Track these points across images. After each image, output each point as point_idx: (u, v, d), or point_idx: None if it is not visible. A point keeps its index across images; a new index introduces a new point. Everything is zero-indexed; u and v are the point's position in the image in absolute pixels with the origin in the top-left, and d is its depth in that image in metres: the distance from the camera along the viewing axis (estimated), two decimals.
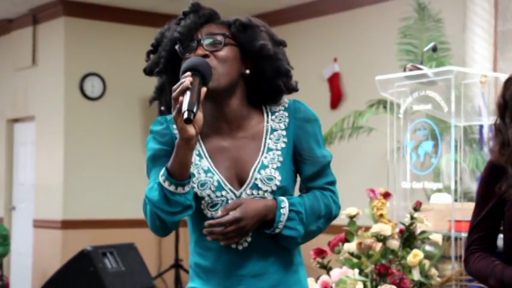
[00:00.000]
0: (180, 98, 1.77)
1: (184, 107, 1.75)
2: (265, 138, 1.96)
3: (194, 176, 1.92)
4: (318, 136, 1.99)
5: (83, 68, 7.77)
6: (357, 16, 7.22)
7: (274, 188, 1.92)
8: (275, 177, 1.92)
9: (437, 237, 3.76)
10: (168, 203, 1.84)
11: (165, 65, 1.97)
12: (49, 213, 7.80)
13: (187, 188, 1.85)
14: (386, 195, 3.87)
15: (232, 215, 1.86)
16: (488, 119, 4.23)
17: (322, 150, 2.00)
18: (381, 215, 3.80)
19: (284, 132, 1.97)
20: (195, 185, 1.91)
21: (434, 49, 4.67)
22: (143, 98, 8.02)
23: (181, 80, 1.80)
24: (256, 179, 1.92)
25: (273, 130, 1.97)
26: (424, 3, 6.08)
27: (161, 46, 1.98)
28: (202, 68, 1.85)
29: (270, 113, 2.00)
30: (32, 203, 8.16)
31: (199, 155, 1.95)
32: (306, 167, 1.97)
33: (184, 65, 1.87)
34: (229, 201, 1.91)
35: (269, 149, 1.95)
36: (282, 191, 1.93)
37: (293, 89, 2.01)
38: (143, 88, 7.97)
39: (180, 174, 1.83)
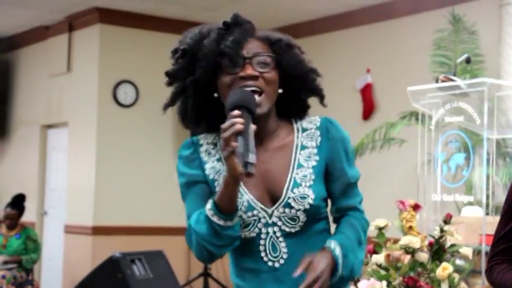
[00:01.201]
0: (233, 143, 1.73)
1: (242, 157, 1.72)
2: (296, 154, 1.95)
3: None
4: (349, 155, 1.99)
5: (117, 75, 7.84)
6: (390, 27, 7.18)
7: (307, 206, 1.90)
8: (308, 196, 1.90)
9: (467, 251, 3.70)
10: (217, 237, 1.84)
11: (202, 74, 1.91)
12: (80, 219, 7.85)
13: (235, 221, 1.85)
14: (416, 207, 3.82)
15: (319, 281, 1.80)
16: None
17: (352, 170, 2.00)
18: (410, 227, 3.75)
19: (315, 151, 1.95)
20: None
21: (467, 61, 4.62)
22: (175, 106, 8.05)
23: (232, 121, 1.75)
24: (289, 197, 1.90)
25: (304, 147, 1.96)
26: (459, 15, 6.03)
27: (200, 54, 1.91)
28: (251, 105, 1.82)
29: (300, 129, 1.99)
30: (64, 209, 8.23)
31: None
32: (336, 186, 1.97)
33: (233, 100, 1.82)
34: (262, 220, 1.89)
35: (300, 165, 1.93)
36: (314, 209, 1.92)
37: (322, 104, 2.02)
38: None
39: (229, 208, 1.83)
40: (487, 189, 4.05)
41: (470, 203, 4.34)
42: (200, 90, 1.93)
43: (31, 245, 7.28)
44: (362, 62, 7.33)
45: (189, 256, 8.03)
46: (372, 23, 7.31)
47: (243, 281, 1.95)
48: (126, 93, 7.88)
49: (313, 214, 1.92)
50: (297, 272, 1.81)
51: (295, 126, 1.99)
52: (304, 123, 2.00)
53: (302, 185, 1.90)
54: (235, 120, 1.75)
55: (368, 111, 7.16)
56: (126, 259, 5.84)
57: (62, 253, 8.17)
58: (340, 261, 1.87)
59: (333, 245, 1.89)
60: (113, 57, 7.84)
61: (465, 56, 4.58)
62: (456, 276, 3.62)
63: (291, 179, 1.91)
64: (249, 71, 1.88)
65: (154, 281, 5.99)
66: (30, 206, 8.57)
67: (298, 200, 1.89)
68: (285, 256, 1.91)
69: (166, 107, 2.01)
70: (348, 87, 7.30)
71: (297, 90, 1.97)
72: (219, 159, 1.94)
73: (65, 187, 8.23)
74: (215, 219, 1.82)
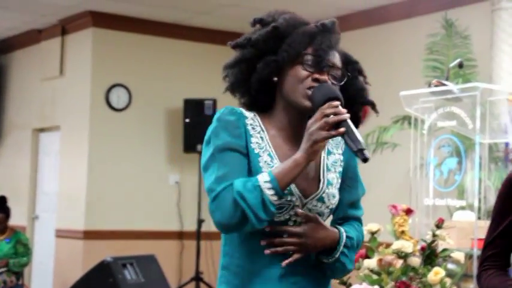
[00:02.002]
0: (340, 129, 1.80)
1: (363, 143, 1.80)
2: (324, 158, 2.00)
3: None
4: (358, 168, 2.09)
5: (109, 78, 7.82)
6: (383, 31, 7.18)
7: (334, 206, 1.98)
8: (336, 197, 1.98)
9: (459, 256, 3.69)
10: (264, 210, 1.84)
11: (284, 59, 1.94)
12: (71, 223, 7.82)
13: (282, 200, 1.88)
14: (409, 211, 3.81)
15: (300, 229, 1.89)
16: None
17: (361, 184, 2.09)
18: (403, 232, 3.74)
19: (341, 157, 2.03)
20: None
21: (460, 65, 4.62)
22: (168, 110, 8.05)
23: (335, 109, 1.82)
24: (324, 192, 1.96)
25: (330, 152, 2.02)
26: (452, 19, 6.04)
27: (288, 39, 1.94)
28: (342, 103, 1.88)
29: None
30: (55, 213, 8.19)
31: (270, 155, 1.94)
32: (346, 194, 2.03)
33: (331, 91, 1.88)
34: (295, 208, 1.92)
35: (328, 169, 2.00)
36: (335, 209, 2.01)
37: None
38: (168, 99, 8.05)
39: (285, 187, 1.86)
40: (479, 193, 4.05)
41: (462, 207, 4.34)
42: (272, 70, 1.96)
43: (21, 249, 7.23)
44: None
45: (181, 260, 8.01)
46: (365, 27, 7.31)
47: (251, 263, 1.93)
48: (118, 97, 7.86)
49: (331, 214, 2.01)
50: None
51: None
52: None
53: (333, 185, 1.98)
54: (341, 110, 1.83)
55: (363, 114, 7.14)
56: (117, 263, 5.82)
57: (53, 257, 8.13)
58: (340, 248, 1.94)
59: (343, 231, 1.97)
60: (105, 61, 7.82)
61: (458, 60, 4.58)
62: (448, 280, 3.61)
63: (325, 178, 1.97)
64: (325, 77, 1.93)
65: (145, 286, 5.97)
66: (21, 210, 8.55)
67: (330, 197, 1.97)
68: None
69: (227, 67, 2.04)
70: None
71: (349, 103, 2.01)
72: (262, 138, 1.95)
73: (57, 191, 8.19)
74: (270, 192, 1.83)
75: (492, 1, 6.05)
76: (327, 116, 1.82)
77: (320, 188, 1.96)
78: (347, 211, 2.04)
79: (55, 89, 8.29)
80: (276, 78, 1.96)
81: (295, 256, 1.89)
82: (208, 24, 8.01)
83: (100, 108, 7.77)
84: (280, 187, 1.84)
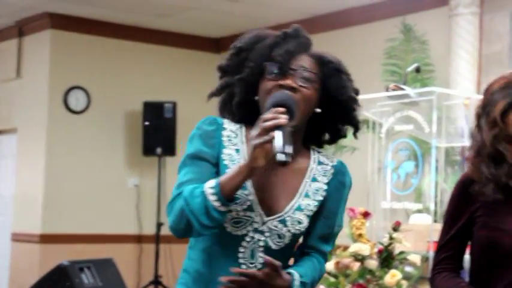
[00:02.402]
0: (272, 133, 1.77)
1: (280, 148, 1.76)
2: (306, 183, 1.98)
3: None
4: (344, 204, 2.06)
5: (68, 81, 7.73)
6: (343, 35, 7.22)
7: (297, 232, 1.95)
8: (303, 223, 1.95)
9: (415, 258, 3.73)
10: (207, 216, 1.83)
11: (248, 75, 1.96)
12: (28, 227, 7.71)
13: (228, 208, 1.86)
14: (366, 214, 3.84)
15: (261, 275, 1.84)
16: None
17: (341, 220, 2.05)
18: (360, 235, 3.77)
19: (325, 187, 2.00)
20: None
21: (417, 70, 4.67)
22: (127, 112, 7.99)
23: (274, 115, 1.80)
24: (288, 216, 1.93)
25: (315, 179, 1.99)
26: (410, 25, 6.10)
27: (251, 55, 1.97)
28: (293, 109, 1.86)
29: (317, 161, 2.02)
30: (11, 216, 8.07)
31: None
32: (319, 226, 2.01)
33: (277, 98, 1.87)
34: (253, 224, 1.91)
35: (306, 195, 1.97)
36: (299, 237, 1.98)
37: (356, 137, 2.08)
38: (127, 102, 7.99)
39: (230, 195, 1.84)
40: (436, 196, 4.09)
41: (419, 211, 4.38)
42: (245, 89, 1.97)
43: None
44: None
45: (139, 264, 7.95)
46: (325, 31, 7.34)
47: (208, 270, 1.94)
48: (77, 99, 7.77)
49: (295, 241, 1.97)
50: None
51: (312, 156, 2.03)
52: (321, 157, 2.04)
53: (303, 211, 1.95)
54: (280, 115, 1.80)
55: None
56: (74, 267, 5.74)
57: (9, 261, 8.00)
58: None
59: (295, 276, 1.93)
60: (64, 63, 7.73)
61: (415, 65, 4.64)
62: (405, 283, 3.64)
63: (296, 202, 1.95)
64: (289, 81, 1.91)
65: None
66: None
67: (294, 222, 1.94)
68: (258, 266, 1.92)
69: (211, 95, 2.04)
70: None
71: (334, 117, 2.01)
72: (237, 150, 1.96)
73: (13, 194, 8.07)
74: (212, 198, 1.83)
75: (450, 7, 6.14)
76: (265, 121, 1.80)
77: (284, 210, 1.94)
78: (315, 243, 2.02)
79: (12, 91, 8.17)
80: (257, 97, 1.96)
81: None
82: (168, 27, 7.97)
83: (58, 111, 7.67)
84: (224, 193, 1.83)
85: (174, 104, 7.70)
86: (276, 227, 1.92)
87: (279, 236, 1.93)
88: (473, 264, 2.09)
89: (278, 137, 1.77)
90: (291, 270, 1.94)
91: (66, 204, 7.60)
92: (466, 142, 4.34)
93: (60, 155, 7.63)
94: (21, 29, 8.00)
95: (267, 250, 1.93)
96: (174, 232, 1.92)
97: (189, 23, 7.58)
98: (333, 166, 2.02)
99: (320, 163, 2.02)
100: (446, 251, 2.12)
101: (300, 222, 1.94)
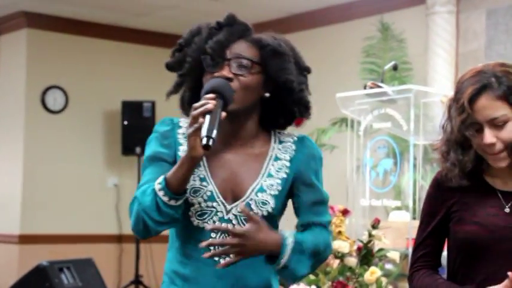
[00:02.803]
0: (201, 119, 1.78)
1: (204, 132, 1.77)
2: (268, 164, 1.97)
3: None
4: (319, 173, 2.03)
5: (45, 80, 7.68)
6: (321, 34, 7.25)
7: (265, 213, 1.93)
8: (269, 203, 1.93)
9: (394, 255, 3.75)
10: (158, 212, 1.84)
11: (188, 70, 1.97)
12: (6, 227, 7.65)
13: (180, 202, 1.85)
14: (345, 212, 3.86)
15: (241, 230, 1.83)
16: None
17: (322, 187, 2.03)
18: (340, 232, 3.78)
19: (288, 164, 1.99)
20: (188, 191, 1.91)
21: (395, 68, 4.70)
22: (106, 112, 7.96)
23: (204, 101, 1.81)
24: (251, 199, 1.93)
25: (277, 158, 1.99)
26: (388, 23, 6.14)
27: (189, 50, 1.97)
28: (226, 93, 1.86)
29: (278, 141, 2.02)
30: None
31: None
32: (306, 195, 1.99)
33: (208, 85, 1.88)
34: (218, 214, 1.91)
35: (269, 175, 1.96)
36: (270, 218, 1.94)
37: (307, 117, 2.05)
38: (106, 102, 7.95)
39: (177, 188, 1.84)
40: (414, 194, 4.12)
41: (398, 208, 4.41)
42: (191, 85, 1.98)
43: None
44: None
45: (120, 264, 7.92)
46: (303, 30, 7.37)
47: (184, 268, 1.94)
48: (55, 99, 7.73)
49: (267, 223, 1.91)
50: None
51: (273, 138, 2.03)
52: (282, 136, 2.04)
53: (266, 192, 1.94)
54: (208, 101, 1.81)
55: (300, 118, 7.19)
56: (53, 267, 5.71)
57: None
58: (286, 252, 1.88)
59: (288, 236, 1.90)
60: (41, 63, 7.68)
61: (392, 63, 4.66)
62: (384, 280, 3.66)
63: (257, 184, 1.94)
64: (224, 72, 1.91)
65: None
66: None
67: (259, 204, 1.93)
68: (231, 255, 1.90)
69: (169, 94, 2.04)
70: None
71: (283, 99, 1.99)
72: None
73: None
74: (161, 194, 1.83)
75: (426, 5, 6.18)
76: (195, 109, 1.82)
77: (246, 194, 1.93)
78: (308, 218, 1.99)
79: None
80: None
81: (234, 258, 1.85)
82: (146, 26, 7.95)
83: (35, 111, 7.62)
84: (171, 188, 1.83)
85: (153, 103, 7.68)
86: (241, 212, 1.89)
87: (247, 221, 1.89)
88: (451, 260, 2.11)
89: (206, 122, 1.78)
90: (281, 231, 1.92)
91: (45, 205, 7.56)
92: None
93: (38, 155, 7.58)
94: None
95: None
96: (135, 234, 1.93)
97: (167, 22, 7.56)
98: (294, 142, 2.02)
99: (281, 142, 2.02)
100: (424, 249, 2.13)
101: (264, 203, 1.93)
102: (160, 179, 1.85)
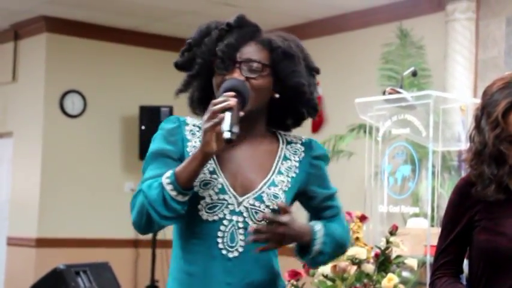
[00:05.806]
0: (221, 115, 1.79)
1: (227, 126, 1.77)
2: (278, 162, 1.99)
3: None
4: (327, 174, 2.07)
5: (64, 84, 7.72)
6: (340, 40, 7.24)
7: (276, 207, 1.92)
8: (279, 198, 1.94)
9: (412, 262, 3.72)
10: (165, 206, 1.83)
11: (198, 71, 1.98)
12: (24, 231, 7.69)
13: (186, 198, 1.85)
14: (363, 218, 3.84)
15: (286, 218, 1.85)
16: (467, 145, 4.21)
17: (332, 185, 2.08)
18: (357, 238, 3.77)
19: (297, 164, 2.01)
20: (197, 184, 1.90)
21: (414, 74, 4.67)
22: (123, 116, 7.98)
23: (225, 98, 1.82)
24: (263, 192, 1.93)
25: (286, 158, 2.00)
26: (407, 29, 6.11)
27: (198, 50, 1.97)
28: (245, 94, 1.88)
29: (285, 142, 2.04)
30: (7, 220, 8.05)
31: None
32: (320, 189, 2.03)
33: (228, 83, 1.89)
34: (229, 206, 1.91)
35: (280, 172, 1.98)
36: (278, 213, 1.94)
37: (314, 118, 2.09)
38: (123, 106, 7.98)
39: (186, 183, 1.84)
40: (433, 201, 4.09)
41: (416, 215, 4.38)
42: (201, 85, 1.99)
43: None
44: None
45: (136, 268, 7.93)
46: (322, 36, 7.35)
47: (190, 265, 1.93)
48: (73, 103, 7.77)
49: None
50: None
51: (280, 138, 2.04)
52: (289, 137, 2.05)
53: (278, 187, 1.95)
54: (229, 98, 1.81)
55: (317, 124, 7.18)
56: (70, 271, 5.73)
57: (4, 266, 7.98)
58: (317, 242, 1.93)
59: (319, 226, 1.95)
60: (60, 67, 7.72)
61: (412, 69, 4.64)
62: (401, 287, 3.63)
63: (269, 179, 1.95)
64: (235, 74, 1.92)
65: None
66: None
67: (271, 197, 1.93)
68: (240, 249, 1.91)
69: (178, 92, 2.05)
70: None
71: (292, 101, 2.00)
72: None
73: (9, 198, 8.05)
74: (169, 188, 1.83)
75: (446, 12, 6.15)
76: (215, 104, 1.82)
77: (258, 187, 1.94)
78: (325, 213, 2.03)
79: (7, 94, 8.16)
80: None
81: (271, 246, 1.86)
82: (164, 31, 7.97)
83: (54, 115, 7.66)
84: (180, 182, 1.83)
85: (171, 108, 7.69)
86: (252, 205, 1.92)
87: (258, 214, 1.91)
88: (473, 268, 2.09)
89: (227, 117, 1.78)
90: (309, 222, 1.97)
91: (62, 208, 7.58)
92: (463, 146, 4.34)
93: (56, 159, 7.62)
94: (17, 32, 7.99)
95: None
96: (136, 227, 1.91)
97: (185, 27, 7.57)
98: (302, 143, 2.04)
99: (289, 143, 2.04)
100: (446, 256, 2.11)
101: (276, 197, 1.94)
102: (169, 173, 1.84)
